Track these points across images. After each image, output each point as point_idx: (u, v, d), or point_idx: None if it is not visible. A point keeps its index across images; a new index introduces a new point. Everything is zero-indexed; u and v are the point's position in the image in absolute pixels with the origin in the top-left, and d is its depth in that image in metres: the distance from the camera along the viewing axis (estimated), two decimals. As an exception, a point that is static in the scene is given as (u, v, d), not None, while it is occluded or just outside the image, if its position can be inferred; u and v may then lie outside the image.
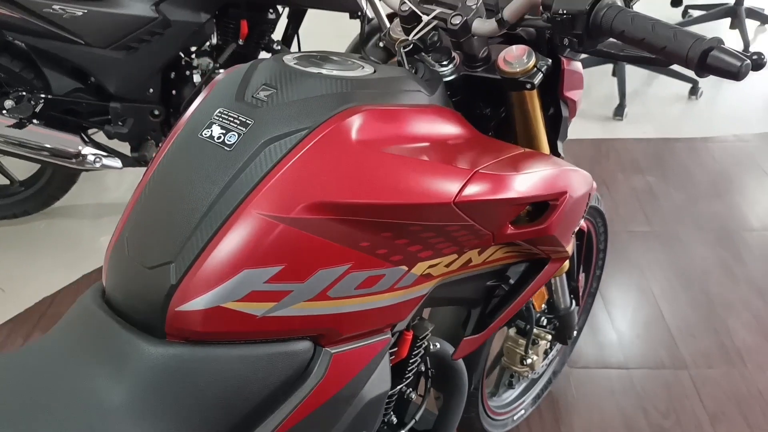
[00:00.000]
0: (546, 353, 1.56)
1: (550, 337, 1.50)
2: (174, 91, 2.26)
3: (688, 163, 2.92)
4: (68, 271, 2.31)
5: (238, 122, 0.77)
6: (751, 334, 2.03)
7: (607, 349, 2.00)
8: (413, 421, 1.16)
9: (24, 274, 2.31)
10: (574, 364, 1.93)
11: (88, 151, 2.23)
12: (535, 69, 0.95)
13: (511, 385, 1.73)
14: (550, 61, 0.97)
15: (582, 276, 1.68)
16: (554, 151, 1.14)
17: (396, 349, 1.02)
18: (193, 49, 2.26)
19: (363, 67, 0.88)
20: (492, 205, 0.83)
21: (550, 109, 1.10)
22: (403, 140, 0.81)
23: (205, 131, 0.78)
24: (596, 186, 1.18)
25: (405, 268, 0.84)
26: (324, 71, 0.83)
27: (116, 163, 2.29)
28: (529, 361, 1.49)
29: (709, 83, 3.53)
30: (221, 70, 2.22)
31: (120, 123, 2.24)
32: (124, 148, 2.32)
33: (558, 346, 1.75)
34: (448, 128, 0.88)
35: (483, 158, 0.85)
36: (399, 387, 1.07)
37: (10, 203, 2.48)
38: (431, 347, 1.12)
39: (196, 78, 2.23)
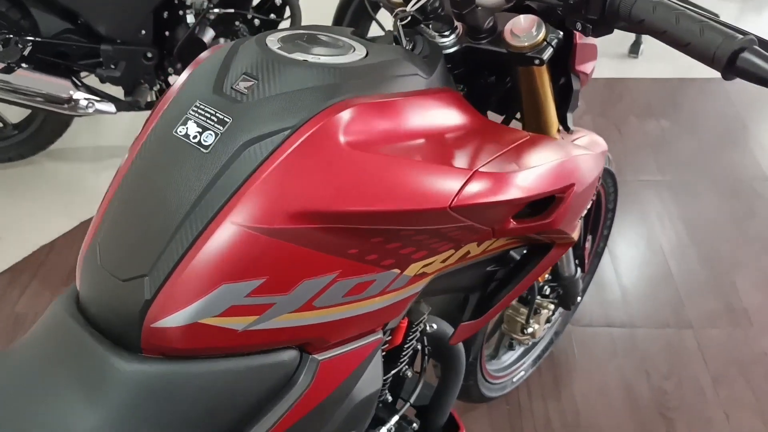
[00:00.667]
0: (548, 320, 1.53)
1: (552, 306, 1.47)
2: (167, 33, 2.16)
3: (704, 107, 2.81)
4: (65, 218, 2.28)
5: (215, 119, 0.71)
6: (759, 294, 1.99)
7: (612, 307, 1.96)
8: (410, 400, 1.13)
9: (21, 221, 2.27)
10: (577, 323, 1.90)
11: (80, 95, 2.15)
12: (545, 43, 0.87)
13: (511, 347, 1.71)
14: (561, 33, 0.89)
15: (589, 239, 1.62)
16: (563, 123, 1.07)
17: (389, 338, 0.98)
18: (187, -13, 2.14)
19: (353, 49, 0.80)
20: (492, 206, 0.77)
21: (560, 80, 1.02)
22: (395, 138, 0.74)
23: (180, 128, 0.72)
24: (607, 145, 1.11)
25: (397, 271, 0.79)
26: (310, 58, 0.75)
27: (110, 107, 2.21)
28: (530, 330, 1.46)
29: (732, 21, 3.36)
30: (215, 9, 2.11)
31: (112, 66, 2.15)
32: (118, 92, 2.24)
33: (560, 310, 1.71)
34: (446, 116, 0.81)
35: (483, 153, 0.78)
36: (393, 372, 1.04)
37: (4, 147, 2.42)
38: (427, 329, 1.08)
39: (190, 18, 2.13)
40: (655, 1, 0.67)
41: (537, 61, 0.88)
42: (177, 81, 0.79)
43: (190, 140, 0.71)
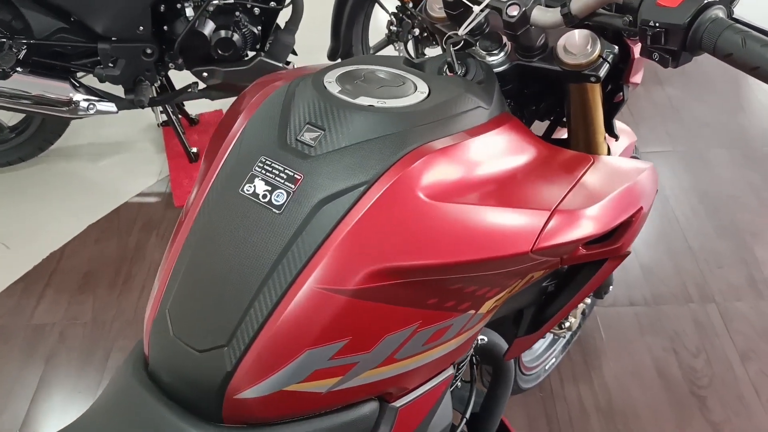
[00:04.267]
0: (583, 313, 1.52)
1: (589, 300, 1.46)
2: (166, 27, 2.08)
3: (710, 72, 2.77)
4: (73, 221, 2.23)
5: (285, 177, 0.67)
6: (780, 264, 2.00)
7: (634, 286, 1.96)
8: (465, 415, 1.12)
9: (27, 228, 2.22)
10: (601, 304, 1.90)
11: (79, 97, 2.09)
12: (601, 59, 0.84)
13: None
14: (617, 48, 0.85)
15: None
16: (610, 131, 1.04)
17: (459, 372, 0.96)
18: (183, -22, 2.06)
19: (415, 87, 0.76)
20: (571, 244, 0.74)
21: (610, 90, 0.99)
22: (469, 182, 0.71)
23: (246, 186, 0.68)
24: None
25: (472, 311, 0.77)
26: (376, 102, 0.72)
27: (111, 107, 2.15)
28: (567, 324, 1.45)
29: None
30: (214, 1, 2.03)
31: (111, 65, 2.08)
32: (118, 90, 2.17)
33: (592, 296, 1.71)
34: (512, 148, 0.78)
35: (555, 188, 0.76)
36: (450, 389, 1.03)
37: (3, 150, 2.36)
38: (478, 342, 1.07)
39: (189, 11, 2.05)
40: (744, 32, 0.64)
41: (593, 79, 0.85)
42: (233, 129, 0.74)
43: (259, 200, 0.67)
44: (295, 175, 0.67)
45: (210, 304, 0.67)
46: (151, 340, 0.71)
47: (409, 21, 2.26)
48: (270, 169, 0.68)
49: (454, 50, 0.85)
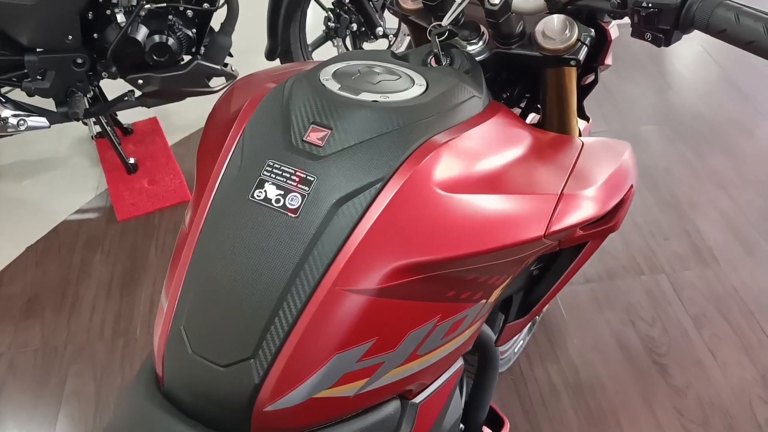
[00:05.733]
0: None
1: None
2: (96, 35, 2.00)
3: (638, 51, 2.88)
4: (10, 245, 2.11)
5: (297, 179, 0.65)
6: (720, 233, 2.10)
7: (588, 263, 2.01)
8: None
9: (-41, 256, 2.09)
10: (559, 283, 1.95)
11: (8, 113, 1.98)
12: (579, 43, 0.85)
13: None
14: (593, 31, 0.87)
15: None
16: (582, 114, 1.06)
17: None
18: (109, -17, 1.97)
19: (413, 81, 0.75)
20: (578, 226, 0.76)
21: (583, 73, 1.01)
22: (479, 172, 0.71)
23: (257, 192, 0.66)
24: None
25: (484, 301, 0.77)
26: (378, 97, 0.71)
27: (42, 122, 2.04)
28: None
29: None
30: (146, 5, 1.96)
31: (39, 77, 1.97)
32: (49, 103, 2.07)
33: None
34: (510, 133, 0.78)
35: (556, 171, 0.77)
36: None
37: (-77, 176, 2.21)
38: None
39: (120, 17, 1.96)
40: (736, 8, 0.66)
41: (573, 62, 0.86)
42: (230, 135, 0.72)
43: (272, 205, 0.65)
44: (308, 177, 0.65)
45: (230, 317, 0.64)
46: (166, 359, 0.68)
47: (347, 16, 2.25)
48: (279, 172, 0.66)
49: (440, 40, 0.84)
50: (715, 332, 1.82)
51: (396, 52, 0.87)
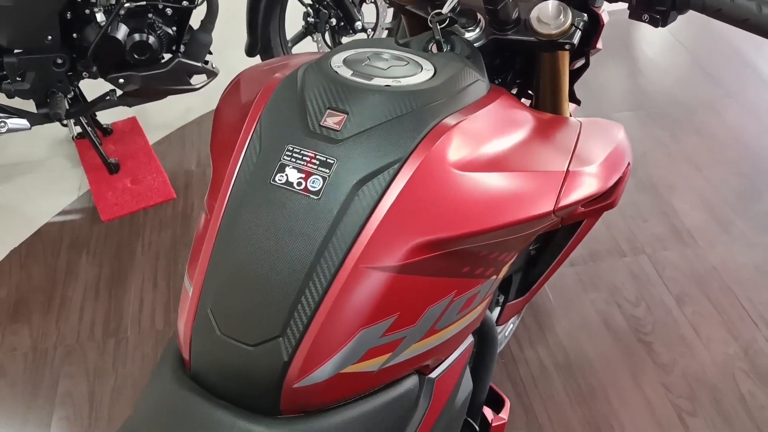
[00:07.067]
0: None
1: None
2: (75, 35, 1.98)
3: (607, 38, 2.93)
4: (-8, 249, 2.09)
5: (318, 162, 0.67)
6: (697, 213, 2.16)
7: (571, 247, 2.06)
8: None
9: (-59, 262, 2.06)
10: (544, 268, 1.99)
11: (-13, 115, 1.95)
12: (573, 27, 0.89)
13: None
14: (586, 15, 0.91)
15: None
16: (573, 98, 1.10)
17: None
18: (88, -18, 1.96)
19: (420, 66, 0.78)
20: (582, 202, 0.79)
21: (576, 57, 1.05)
22: (490, 151, 0.74)
23: (278, 176, 0.68)
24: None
25: (494, 277, 0.80)
26: (390, 82, 0.73)
27: (23, 124, 2.03)
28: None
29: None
30: (127, 4, 1.95)
31: (19, 78, 1.96)
32: (29, 105, 2.05)
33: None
34: (514, 114, 0.81)
35: (560, 150, 0.80)
36: None
37: None
38: None
39: (99, 17, 1.95)
40: None
41: (567, 46, 0.90)
42: (246, 123, 0.73)
43: (294, 188, 0.67)
44: (328, 160, 0.67)
45: (257, 298, 0.66)
46: (194, 343, 0.69)
47: (326, 12, 2.26)
48: (300, 156, 0.68)
49: (440, 28, 0.87)
50: (697, 310, 1.88)
51: (401, 40, 0.89)
